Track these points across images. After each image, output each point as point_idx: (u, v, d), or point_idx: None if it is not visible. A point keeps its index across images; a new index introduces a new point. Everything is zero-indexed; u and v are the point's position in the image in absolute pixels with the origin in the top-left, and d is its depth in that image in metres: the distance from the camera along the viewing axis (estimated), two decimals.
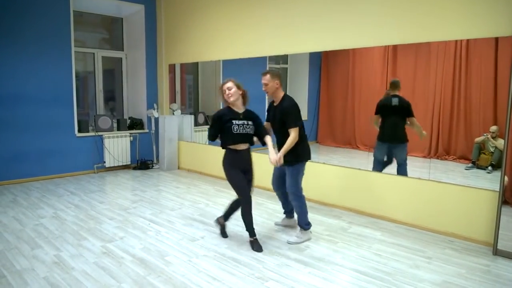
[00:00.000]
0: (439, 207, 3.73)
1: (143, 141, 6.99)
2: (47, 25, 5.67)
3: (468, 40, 3.77)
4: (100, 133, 6.35)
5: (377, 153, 4.36)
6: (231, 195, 5.03)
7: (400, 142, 4.23)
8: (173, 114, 6.85)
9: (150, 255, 3.19)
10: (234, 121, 3.22)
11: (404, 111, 4.15)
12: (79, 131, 6.18)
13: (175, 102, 7.09)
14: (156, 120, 6.89)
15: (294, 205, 3.51)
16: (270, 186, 3.78)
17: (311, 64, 5.66)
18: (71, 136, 6.08)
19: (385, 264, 3.08)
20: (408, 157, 4.18)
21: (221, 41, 5.84)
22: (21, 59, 5.50)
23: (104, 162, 6.42)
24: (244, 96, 3.32)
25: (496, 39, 3.51)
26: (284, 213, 3.83)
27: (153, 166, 6.89)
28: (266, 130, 3.41)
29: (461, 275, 2.90)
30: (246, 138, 3.27)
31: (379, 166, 4.28)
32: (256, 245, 3.31)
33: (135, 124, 6.91)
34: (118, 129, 6.72)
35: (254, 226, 3.36)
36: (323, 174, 4.61)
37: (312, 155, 3.53)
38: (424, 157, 4.32)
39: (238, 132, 3.21)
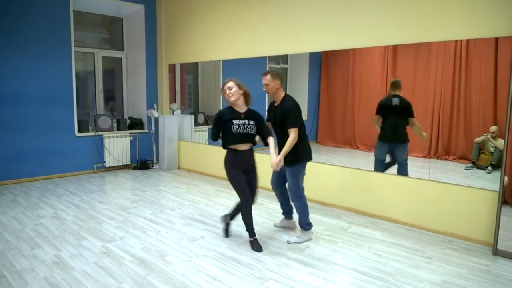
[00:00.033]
0: (439, 207, 3.73)
1: (143, 141, 6.99)
2: (47, 25, 5.67)
3: (468, 40, 3.77)
4: (100, 133, 6.35)
5: (378, 153, 4.36)
6: (231, 195, 5.03)
7: (401, 142, 4.23)
8: (173, 114, 6.85)
9: (150, 255, 3.19)
10: (234, 121, 3.21)
11: (404, 111, 4.15)
12: (79, 131, 6.18)
13: (175, 102, 7.09)
14: (156, 120, 6.89)
15: (295, 205, 3.51)
16: (270, 186, 3.78)
17: (311, 64, 5.66)
18: (71, 136, 6.08)
19: (385, 264, 3.08)
20: (408, 157, 4.18)
21: (221, 41, 5.84)
22: (21, 59, 5.50)
23: (104, 162, 6.42)
24: (246, 96, 3.29)
25: (496, 39, 3.51)
26: (283, 213, 3.81)
27: (153, 166, 6.89)
28: (269, 131, 3.37)
29: (461, 275, 2.90)
30: (246, 138, 3.24)
31: (380, 166, 4.28)
32: (256, 245, 3.31)
33: (135, 124, 6.91)
34: (118, 129, 6.72)
35: (254, 226, 3.36)
36: (323, 174, 4.61)
37: (312, 155, 3.53)
38: (424, 157, 4.32)
39: (238, 132, 3.19)
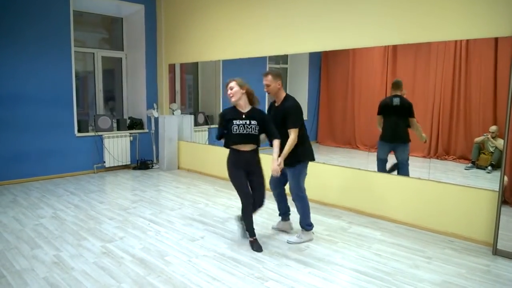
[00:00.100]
0: (439, 207, 3.73)
1: (143, 141, 6.99)
2: (47, 25, 5.67)
3: (468, 40, 3.77)
4: (100, 133, 6.35)
5: (379, 153, 4.37)
6: (231, 195, 5.04)
7: (402, 142, 4.23)
8: (173, 114, 6.85)
9: (150, 255, 3.19)
10: (234, 121, 3.18)
11: (405, 111, 4.15)
12: (79, 131, 6.18)
13: (175, 102, 7.09)
14: (156, 120, 6.89)
15: (296, 205, 3.50)
16: (269, 185, 3.77)
17: (311, 64, 5.66)
18: (71, 136, 6.08)
19: (385, 264, 3.08)
20: (409, 157, 4.18)
21: (221, 41, 5.84)
22: (21, 59, 5.50)
23: (104, 162, 6.42)
24: (249, 95, 3.25)
25: (496, 39, 3.51)
26: (279, 215, 3.77)
27: (153, 166, 6.89)
28: (275, 132, 3.25)
29: (461, 275, 2.90)
30: (247, 138, 3.19)
31: (382, 165, 4.28)
32: (256, 245, 3.31)
33: (135, 124, 6.91)
34: (118, 129, 6.72)
35: (254, 226, 3.36)
36: (323, 174, 4.61)
37: (314, 155, 3.52)
38: (424, 157, 4.32)
39: (238, 132, 3.17)
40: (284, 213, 3.73)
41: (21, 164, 5.61)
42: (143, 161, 6.75)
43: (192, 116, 6.92)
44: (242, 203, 3.30)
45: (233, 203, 4.71)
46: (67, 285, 2.67)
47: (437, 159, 4.36)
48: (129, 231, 3.74)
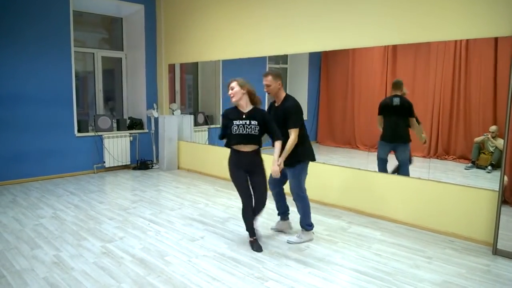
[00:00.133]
0: (439, 207, 3.73)
1: (142, 141, 6.99)
2: (47, 25, 5.67)
3: (467, 40, 3.76)
4: (99, 133, 6.35)
5: (380, 152, 4.36)
6: (231, 195, 5.04)
7: (402, 142, 4.23)
8: (173, 114, 6.85)
9: (150, 255, 3.19)
10: (234, 121, 3.17)
11: (405, 111, 4.15)
12: (79, 131, 6.17)
13: (174, 102, 7.09)
14: (156, 120, 6.89)
15: (297, 205, 3.50)
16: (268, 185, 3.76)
17: (311, 64, 5.66)
18: (71, 136, 6.08)
19: (385, 264, 3.08)
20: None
21: (221, 41, 5.84)
22: (21, 59, 5.50)
23: (104, 162, 6.42)
24: (250, 95, 3.21)
25: (496, 39, 3.51)
26: (278, 214, 3.76)
27: (152, 166, 6.89)
28: (277, 133, 3.22)
29: (461, 275, 2.90)
30: (246, 138, 3.16)
31: (383, 165, 4.27)
32: (256, 245, 3.30)
33: (135, 124, 6.91)
34: (118, 129, 6.72)
35: (254, 226, 3.36)
36: (323, 174, 4.61)
37: (314, 155, 3.51)
38: (424, 157, 4.32)
39: (237, 132, 3.16)
40: (283, 212, 3.73)
41: (21, 164, 5.61)
42: (143, 161, 6.75)
43: (192, 116, 6.92)
44: (242, 203, 3.30)
45: (233, 203, 4.71)
46: (67, 285, 2.67)
47: (437, 159, 4.36)
48: (129, 231, 3.74)
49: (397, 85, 4.21)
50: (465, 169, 4.18)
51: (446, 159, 4.35)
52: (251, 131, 3.14)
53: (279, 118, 3.34)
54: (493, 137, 3.90)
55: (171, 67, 7.01)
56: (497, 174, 3.47)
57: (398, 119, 4.25)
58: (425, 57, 4.19)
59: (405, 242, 3.52)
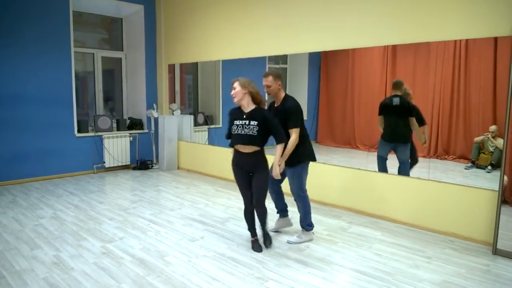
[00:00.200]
0: (439, 206, 3.73)
1: (142, 141, 6.99)
2: (47, 25, 5.67)
3: (467, 40, 3.76)
4: (99, 133, 6.35)
5: (380, 151, 4.37)
6: (231, 195, 5.04)
7: (402, 142, 4.23)
8: (173, 114, 6.85)
9: (150, 255, 3.19)
10: (235, 121, 3.16)
11: (405, 111, 4.15)
12: (79, 131, 6.17)
13: (174, 102, 7.09)
14: (156, 120, 6.89)
15: (297, 205, 3.50)
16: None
17: (311, 64, 5.66)
18: (71, 136, 6.08)
19: (385, 264, 3.08)
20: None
21: (221, 41, 5.84)
22: (21, 59, 5.50)
23: (104, 162, 6.42)
24: (252, 95, 3.13)
25: (496, 39, 3.51)
26: (277, 212, 3.74)
27: (152, 166, 6.89)
28: (280, 134, 3.14)
29: (461, 275, 2.90)
30: (244, 139, 3.11)
31: (382, 163, 4.28)
32: (256, 246, 3.30)
33: (135, 124, 6.91)
34: (118, 129, 6.72)
35: (255, 226, 3.36)
36: (323, 174, 4.61)
37: (315, 155, 3.51)
38: (424, 156, 4.32)
39: (236, 132, 3.15)
40: (282, 209, 3.72)
41: (21, 164, 5.61)
42: (143, 161, 6.75)
43: (192, 116, 6.92)
44: (243, 203, 3.31)
45: (233, 203, 4.71)
46: (67, 286, 2.67)
47: (437, 158, 4.36)
48: (129, 231, 3.74)
49: (397, 85, 4.21)
50: (465, 169, 4.18)
51: (446, 159, 4.35)
52: (249, 132, 3.09)
53: (279, 119, 3.33)
54: (493, 137, 3.90)
55: (171, 67, 7.01)
56: (497, 174, 3.47)
57: (398, 119, 4.25)
58: (425, 57, 4.19)
59: (405, 242, 3.52)
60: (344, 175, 4.46)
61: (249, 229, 3.36)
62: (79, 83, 6.73)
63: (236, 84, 3.15)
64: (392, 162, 4.24)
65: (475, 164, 4.12)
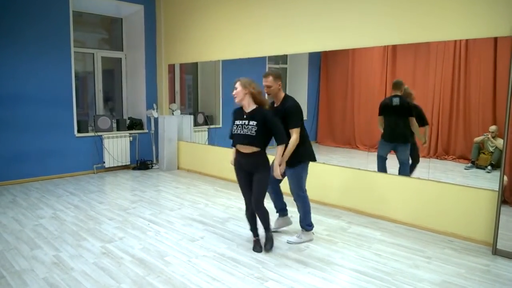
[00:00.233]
0: (439, 207, 3.73)
1: (142, 141, 6.99)
2: (47, 25, 5.67)
3: (467, 40, 3.77)
4: (99, 133, 6.35)
5: (380, 151, 4.37)
6: (231, 195, 5.04)
7: (402, 142, 4.23)
8: (173, 114, 6.85)
9: (150, 255, 3.19)
10: (236, 121, 3.17)
11: (404, 111, 4.15)
12: (79, 131, 6.17)
13: (174, 102, 7.09)
14: (156, 120, 6.89)
15: (297, 205, 3.50)
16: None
17: (311, 64, 5.66)
18: (71, 137, 6.08)
19: (384, 264, 3.08)
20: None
21: (221, 41, 5.84)
22: (21, 59, 5.50)
23: (104, 162, 6.42)
24: (253, 95, 3.10)
25: (495, 39, 3.51)
26: (277, 211, 3.74)
27: (152, 166, 6.89)
28: (280, 135, 3.10)
29: (460, 275, 2.90)
30: (242, 139, 3.09)
31: (382, 163, 4.28)
32: (257, 246, 3.30)
33: (135, 124, 6.91)
34: (118, 129, 6.72)
35: (257, 226, 3.35)
36: (322, 174, 4.61)
37: (315, 155, 3.51)
38: (424, 157, 4.32)
39: (236, 132, 3.15)
40: (281, 209, 3.72)
41: (21, 164, 5.61)
42: (142, 162, 6.75)
43: (192, 116, 6.92)
44: (244, 203, 3.31)
45: (233, 203, 4.71)
46: (66, 286, 2.67)
47: (437, 159, 4.36)
48: (128, 231, 3.74)
49: (397, 85, 4.21)
50: (465, 169, 4.18)
51: (445, 159, 4.35)
52: (247, 132, 3.07)
53: (279, 119, 3.33)
54: (492, 137, 3.90)
55: (171, 67, 7.01)
56: (496, 174, 3.47)
57: (398, 119, 4.25)
58: (424, 57, 4.19)
59: (405, 242, 3.52)
60: (344, 175, 4.46)
61: (251, 229, 3.36)
62: (79, 83, 6.73)
63: (237, 84, 3.13)
64: (392, 162, 4.25)
65: (475, 164, 4.12)
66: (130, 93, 7.25)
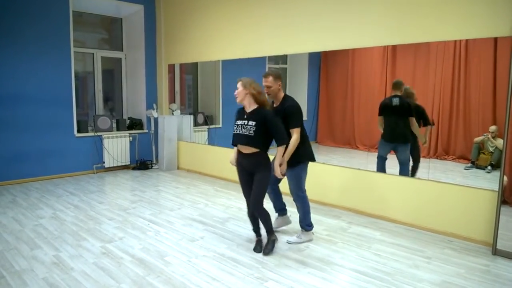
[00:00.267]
0: (439, 207, 3.73)
1: (142, 141, 6.99)
2: (46, 25, 5.67)
3: (467, 40, 3.77)
4: (99, 133, 6.35)
5: (380, 151, 4.37)
6: (231, 195, 5.04)
7: (402, 142, 4.23)
8: (173, 114, 6.85)
9: (150, 255, 3.19)
10: (237, 121, 3.17)
11: (404, 111, 4.15)
12: (79, 131, 6.17)
13: (174, 102, 7.09)
14: (156, 120, 6.89)
15: (297, 206, 3.50)
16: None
17: (311, 64, 5.66)
18: (71, 137, 6.08)
19: (384, 264, 3.08)
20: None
21: (221, 41, 5.84)
22: (21, 59, 5.50)
23: (104, 162, 6.42)
24: (253, 96, 3.07)
25: (495, 39, 3.51)
26: (276, 211, 3.74)
27: (152, 166, 6.89)
28: (281, 137, 3.06)
29: (460, 275, 2.90)
30: (241, 139, 3.09)
31: (381, 163, 4.28)
32: (258, 246, 3.29)
33: (135, 124, 6.91)
34: (118, 129, 6.72)
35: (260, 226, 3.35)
36: (322, 174, 4.61)
37: (314, 155, 3.51)
38: (424, 157, 4.32)
39: (236, 132, 3.15)
40: (280, 209, 3.72)
41: (21, 164, 5.61)
42: (142, 162, 6.75)
43: (192, 116, 6.92)
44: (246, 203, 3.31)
45: (233, 203, 4.71)
46: (66, 286, 2.67)
47: (437, 159, 4.36)
48: (128, 231, 3.74)
49: (397, 85, 4.21)
50: (465, 169, 4.18)
51: (445, 159, 4.36)
52: (246, 132, 3.06)
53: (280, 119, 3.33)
54: (492, 137, 3.90)
55: (171, 67, 7.01)
56: (496, 174, 3.47)
57: (398, 119, 4.25)
58: (424, 57, 4.19)
59: (405, 242, 3.52)
60: (344, 175, 4.47)
61: (254, 230, 3.36)
62: (79, 83, 6.73)
63: (239, 84, 3.12)
64: (392, 162, 4.25)
65: (475, 165, 4.12)
66: (130, 93, 7.25)
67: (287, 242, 3.46)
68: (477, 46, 3.84)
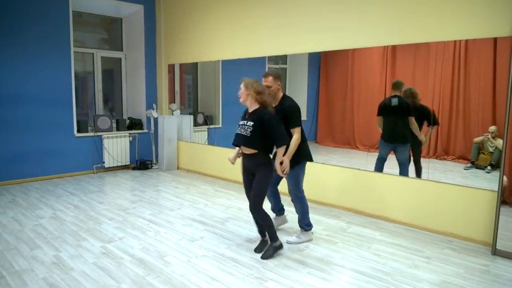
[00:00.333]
0: (438, 207, 3.73)
1: (142, 141, 6.99)
2: (46, 25, 5.67)
3: (467, 41, 3.77)
4: (99, 133, 6.35)
5: (380, 151, 4.37)
6: (231, 195, 5.04)
7: (401, 142, 4.24)
8: (172, 114, 6.85)
9: (149, 255, 3.19)
10: (240, 121, 3.17)
11: (404, 111, 4.16)
12: (78, 131, 6.18)
13: (174, 102, 7.09)
14: (156, 120, 6.89)
15: (295, 206, 3.50)
16: None
17: (310, 64, 5.66)
18: (71, 137, 6.08)
19: (384, 264, 3.08)
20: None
21: (221, 41, 5.84)
22: (21, 59, 5.50)
23: (103, 162, 6.42)
24: (252, 96, 3.06)
25: (495, 39, 3.51)
26: (274, 211, 3.74)
27: (152, 166, 6.89)
28: (279, 138, 3.03)
29: (459, 275, 2.90)
30: (239, 139, 3.09)
31: (381, 164, 4.28)
32: (259, 246, 3.29)
33: (134, 124, 6.91)
34: (117, 129, 6.72)
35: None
36: (322, 174, 4.61)
37: (312, 155, 3.51)
38: (423, 157, 4.32)
39: (236, 132, 3.16)
40: (280, 209, 3.74)
41: (21, 164, 5.61)
42: (142, 162, 6.75)
43: (192, 116, 6.92)
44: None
45: (233, 203, 4.71)
46: (66, 286, 2.67)
47: (436, 159, 4.36)
48: (128, 231, 3.74)
49: (396, 85, 4.21)
50: (464, 169, 4.18)
51: (445, 159, 4.35)
52: (244, 132, 3.05)
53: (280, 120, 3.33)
54: (492, 137, 3.90)
55: (171, 67, 7.02)
56: (496, 174, 3.47)
57: (397, 119, 4.26)
58: (424, 57, 4.19)
59: (404, 242, 3.53)
60: (344, 175, 4.47)
61: (259, 232, 3.35)
62: (78, 83, 6.73)
63: (242, 85, 3.11)
64: (391, 162, 4.25)
65: (475, 165, 4.12)
66: (130, 93, 7.26)
67: (287, 242, 3.46)
68: (476, 46, 3.83)
